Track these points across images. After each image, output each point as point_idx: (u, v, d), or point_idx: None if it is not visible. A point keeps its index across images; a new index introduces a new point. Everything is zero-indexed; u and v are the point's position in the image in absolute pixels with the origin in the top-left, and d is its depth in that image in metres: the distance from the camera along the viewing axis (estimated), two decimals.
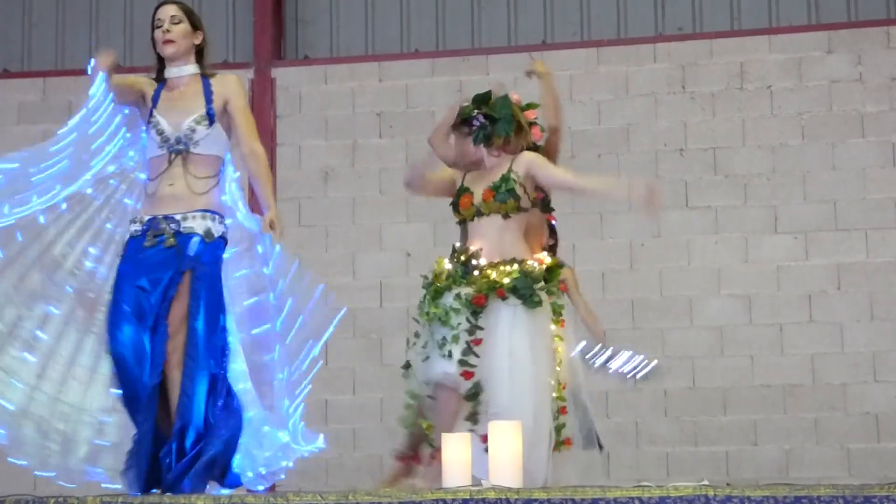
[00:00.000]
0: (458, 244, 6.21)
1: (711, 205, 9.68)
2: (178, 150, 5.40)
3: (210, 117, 5.44)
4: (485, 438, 5.52)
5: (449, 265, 6.08)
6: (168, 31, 5.47)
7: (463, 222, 6.24)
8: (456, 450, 5.09)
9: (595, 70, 9.98)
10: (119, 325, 5.26)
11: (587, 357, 6.92)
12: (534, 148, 6.41)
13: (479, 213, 6.08)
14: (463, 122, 6.22)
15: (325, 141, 10.19)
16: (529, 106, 6.49)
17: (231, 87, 5.52)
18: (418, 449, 6.26)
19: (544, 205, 6.57)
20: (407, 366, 6.11)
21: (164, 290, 5.27)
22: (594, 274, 9.55)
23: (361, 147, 10.13)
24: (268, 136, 10.11)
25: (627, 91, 9.94)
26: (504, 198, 6.03)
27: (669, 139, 9.79)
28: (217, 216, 5.44)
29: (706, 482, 4.96)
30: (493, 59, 10.11)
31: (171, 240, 5.32)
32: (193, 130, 5.42)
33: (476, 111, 6.21)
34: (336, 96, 10.19)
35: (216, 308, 5.35)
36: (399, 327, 9.11)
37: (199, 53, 5.59)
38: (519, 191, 6.06)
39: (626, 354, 7.32)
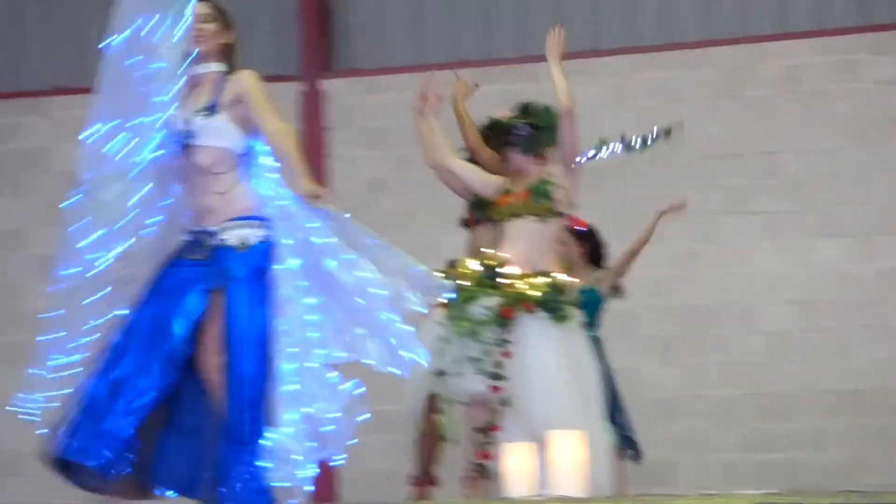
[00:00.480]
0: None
1: (768, 210, 9.58)
2: (184, 143, 5.36)
3: (209, 108, 5.40)
4: (486, 455, 5.68)
5: (475, 267, 6.00)
6: (199, 28, 5.45)
7: (495, 223, 6.17)
8: (519, 460, 5.05)
9: (644, 76, 9.91)
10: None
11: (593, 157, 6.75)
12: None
13: (515, 215, 6.03)
14: (506, 131, 6.22)
15: (375, 152, 10.17)
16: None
17: (245, 80, 5.44)
18: (430, 470, 6.25)
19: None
20: (440, 373, 5.97)
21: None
22: (651, 280, 9.47)
23: (411, 157, 10.03)
24: (317, 148, 10.11)
25: (677, 97, 9.85)
26: (540, 199, 6.00)
27: (722, 145, 9.71)
28: (252, 220, 5.38)
29: (773, 490, 4.88)
30: (542, 66, 10.00)
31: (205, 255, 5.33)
32: (189, 122, 5.38)
33: (520, 121, 6.22)
34: (385, 107, 10.16)
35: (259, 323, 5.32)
36: None
37: (230, 52, 5.56)
38: (555, 192, 6.03)
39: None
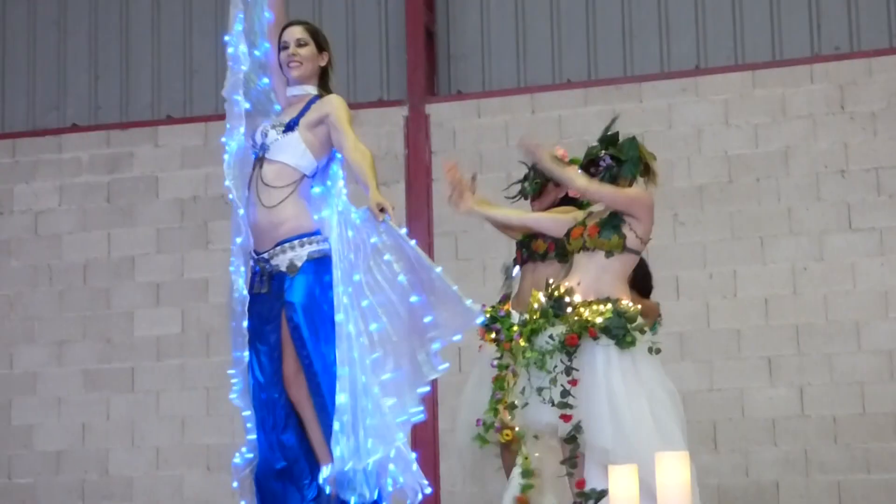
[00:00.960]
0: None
1: (875, 226, 9.44)
2: (257, 153, 5.42)
3: (288, 126, 5.45)
4: (581, 483, 5.59)
5: (544, 300, 6.01)
6: (294, 53, 5.50)
7: (571, 254, 6.19)
8: (624, 484, 5.01)
9: (751, 93, 9.84)
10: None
11: None
12: (572, 202, 6.63)
13: (585, 248, 6.05)
14: (590, 162, 6.22)
15: (480, 175, 10.17)
16: (573, 161, 6.57)
17: (332, 102, 5.51)
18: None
19: (560, 253, 6.53)
20: (511, 406, 6.11)
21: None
22: (757, 300, 9.41)
23: (515, 179, 10.12)
24: (423, 172, 10.19)
25: (785, 113, 9.76)
26: (609, 234, 5.99)
27: (830, 161, 9.59)
28: (302, 239, 5.46)
29: None
30: (646, 86, 10.04)
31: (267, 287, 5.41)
32: (266, 134, 5.43)
33: (603, 152, 6.21)
34: (489, 130, 10.21)
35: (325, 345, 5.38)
36: None
37: (324, 75, 5.61)
38: (625, 230, 6.00)
39: None
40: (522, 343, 5.99)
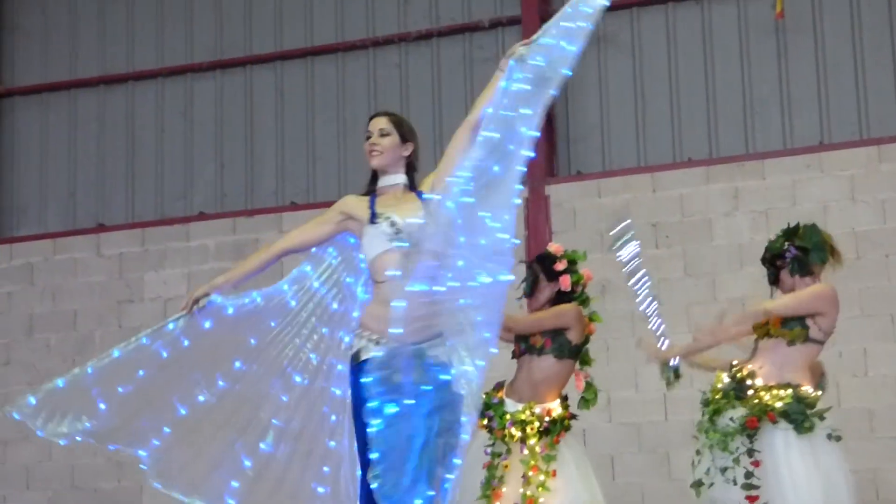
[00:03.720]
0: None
1: None
2: (403, 244, 5.36)
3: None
4: None
5: (727, 380, 6.22)
6: (375, 143, 5.54)
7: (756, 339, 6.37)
8: None
9: (877, 168, 9.69)
10: None
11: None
12: (567, 297, 6.71)
13: (769, 335, 6.25)
14: (774, 256, 6.42)
15: (602, 254, 10.16)
16: (565, 257, 6.82)
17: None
18: None
19: (570, 352, 6.63)
20: (699, 483, 6.19)
21: None
22: (889, 378, 9.22)
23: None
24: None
25: None
26: (793, 325, 6.21)
27: None
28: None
29: None
30: (769, 163, 9.94)
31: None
32: (427, 222, 5.40)
33: (787, 243, 6.39)
34: (610, 210, 10.18)
35: None
36: (685, 441, 8.92)
37: (410, 165, 5.63)
38: (808, 321, 6.22)
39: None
40: (705, 422, 6.20)
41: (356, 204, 5.50)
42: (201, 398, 5.53)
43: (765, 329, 6.25)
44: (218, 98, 11.60)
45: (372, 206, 5.43)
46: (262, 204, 11.24)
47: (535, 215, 10.27)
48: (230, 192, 11.41)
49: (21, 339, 11.42)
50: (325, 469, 5.58)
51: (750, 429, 5.99)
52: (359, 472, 5.24)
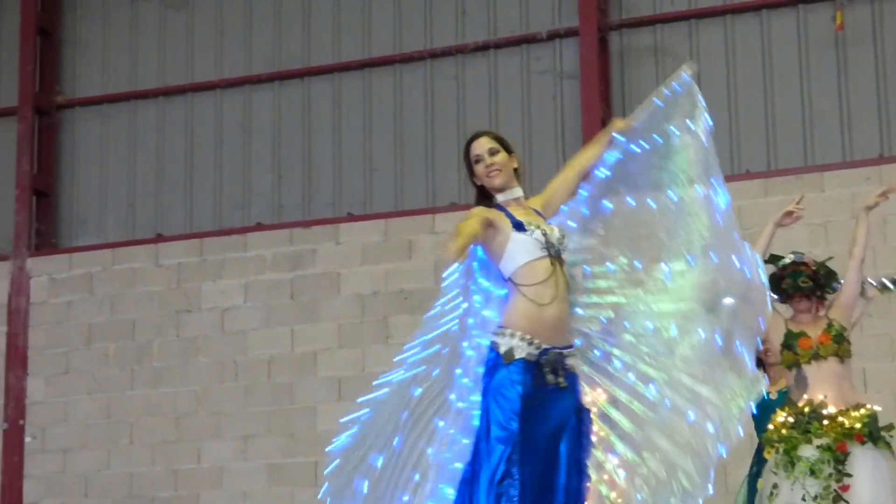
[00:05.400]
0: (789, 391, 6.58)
1: None
2: (555, 254, 5.45)
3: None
4: None
5: (784, 418, 6.39)
6: (491, 163, 5.56)
7: (791, 367, 6.55)
8: None
9: None
10: None
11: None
12: None
13: (817, 356, 6.41)
14: (791, 279, 6.71)
15: None
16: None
17: (533, 205, 5.64)
18: None
19: None
20: None
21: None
22: None
23: None
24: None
25: None
26: (840, 340, 6.42)
27: None
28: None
29: None
30: (829, 175, 9.87)
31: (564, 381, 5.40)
32: (565, 236, 5.49)
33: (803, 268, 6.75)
34: None
35: None
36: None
37: (519, 175, 5.67)
38: (846, 335, 6.48)
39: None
40: (780, 458, 6.33)
41: (492, 214, 5.51)
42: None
43: (810, 352, 6.41)
44: (276, 109, 11.66)
45: (510, 216, 5.47)
46: (319, 215, 11.28)
47: None
48: (287, 202, 11.47)
49: (80, 348, 11.52)
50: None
51: (842, 454, 6.16)
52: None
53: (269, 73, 11.73)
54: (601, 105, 10.50)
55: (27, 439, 11.48)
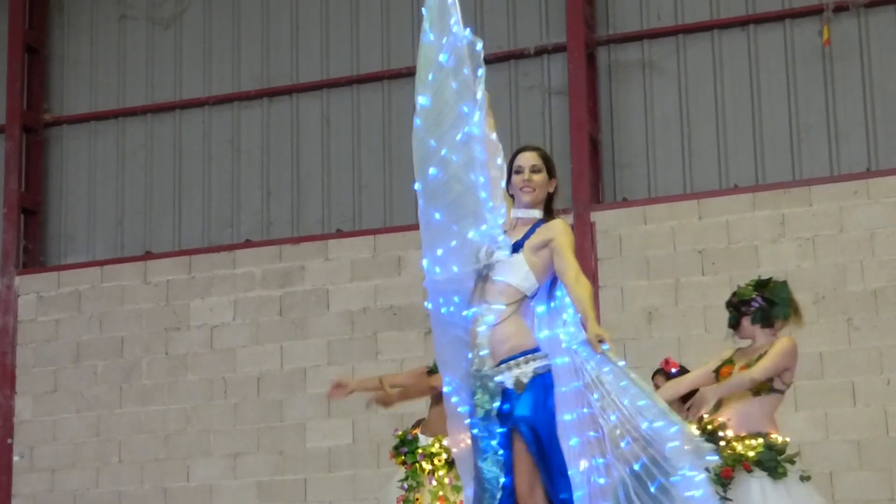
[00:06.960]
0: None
1: None
2: (481, 272, 5.46)
3: (514, 247, 5.49)
4: None
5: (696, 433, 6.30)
6: (529, 179, 5.55)
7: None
8: None
9: None
10: None
11: None
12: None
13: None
14: (741, 302, 6.58)
15: (647, 281, 10.15)
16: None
17: (556, 228, 5.51)
18: None
19: None
20: None
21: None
22: None
23: (684, 286, 10.05)
24: (590, 278, 10.12)
25: None
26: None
27: None
28: (526, 355, 5.47)
29: None
30: (816, 189, 9.89)
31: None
32: (491, 254, 5.47)
33: (756, 293, 6.55)
34: (656, 236, 10.16)
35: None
36: None
37: (550, 201, 5.66)
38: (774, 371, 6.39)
39: None
40: None
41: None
42: None
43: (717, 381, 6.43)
44: (264, 126, 11.67)
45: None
46: (307, 231, 11.28)
47: (581, 241, 10.23)
48: (276, 219, 11.46)
49: (68, 366, 11.50)
50: None
51: (725, 478, 6.16)
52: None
53: (257, 89, 11.73)
54: (589, 120, 10.51)
55: (15, 458, 11.45)
